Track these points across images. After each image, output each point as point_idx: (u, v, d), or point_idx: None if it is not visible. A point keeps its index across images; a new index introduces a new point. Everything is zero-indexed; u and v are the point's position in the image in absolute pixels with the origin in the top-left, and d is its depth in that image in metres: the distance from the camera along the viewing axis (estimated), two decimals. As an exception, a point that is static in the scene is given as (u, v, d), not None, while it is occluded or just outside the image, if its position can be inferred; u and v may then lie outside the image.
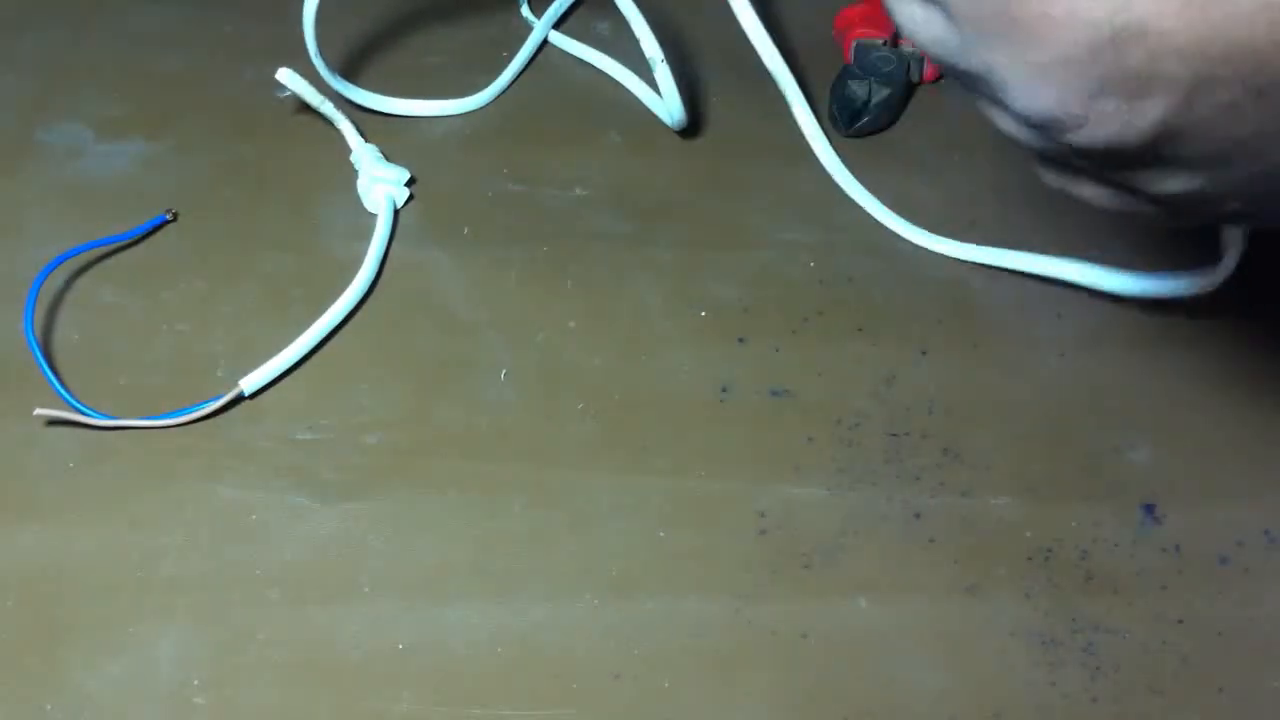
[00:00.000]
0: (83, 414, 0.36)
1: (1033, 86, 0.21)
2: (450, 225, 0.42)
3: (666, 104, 0.43)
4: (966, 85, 0.24)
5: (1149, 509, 0.35)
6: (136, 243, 0.41)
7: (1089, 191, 0.26)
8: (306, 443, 0.36)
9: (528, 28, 0.48)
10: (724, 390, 0.37)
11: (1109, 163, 0.23)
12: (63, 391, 0.36)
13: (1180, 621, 0.33)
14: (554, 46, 0.48)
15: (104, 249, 0.40)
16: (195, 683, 0.31)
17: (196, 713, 0.31)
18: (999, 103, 0.23)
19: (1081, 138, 0.22)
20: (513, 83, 0.46)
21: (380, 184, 0.42)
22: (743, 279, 0.40)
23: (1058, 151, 0.24)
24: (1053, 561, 0.34)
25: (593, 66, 0.47)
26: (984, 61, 0.22)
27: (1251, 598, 0.33)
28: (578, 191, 0.43)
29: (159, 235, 0.41)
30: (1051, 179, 0.27)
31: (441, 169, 0.43)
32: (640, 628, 0.32)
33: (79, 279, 0.40)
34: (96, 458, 0.35)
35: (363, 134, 0.44)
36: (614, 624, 0.33)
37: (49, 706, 0.31)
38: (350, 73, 0.46)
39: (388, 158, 0.43)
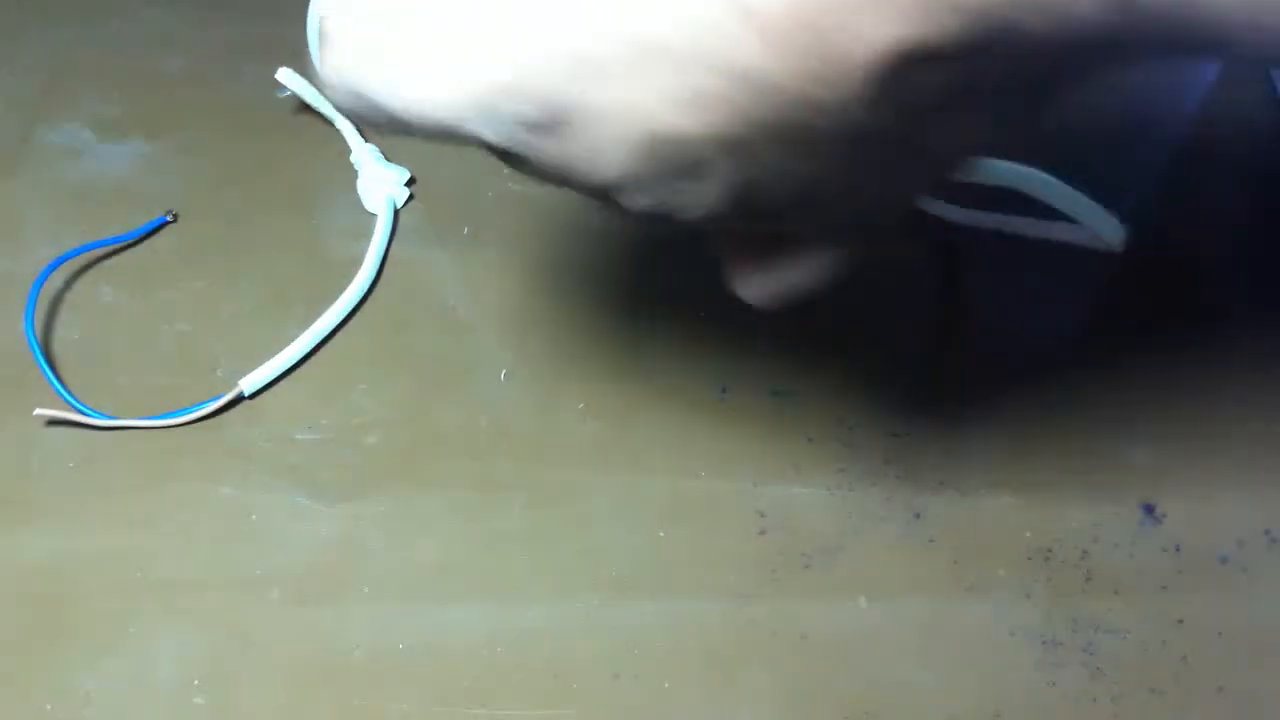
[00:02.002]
0: (83, 414, 0.36)
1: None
2: (450, 225, 0.42)
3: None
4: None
5: (1149, 509, 0.35)
6: (137, 243, 0.41)
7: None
8: (306, 443, 0.36)
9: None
10: (724, 390, 0.37)
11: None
12: (63, 391, 0.36)
13: (1180, 621, 0.33)
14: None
15: (104, 249, 0.40)
16: (195, 683, 0.31)
17: (196, 713, 0.31)
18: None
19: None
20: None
21: (380, 184, 0.42)
22: (743, 279, 0.40)
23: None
24: (1053, 561, 0.34)
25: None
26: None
27: (1251, 598, 0.33)
28: (578, 191, 0.43)
29: (159, 235, 0.41)
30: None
31: (441, 169, 0.43)
32: (640, 628, 0.32)
33: (79, 279, 0.40)
34: (96, 458, 0.35)
35: (363, 134, 0.44)
36: (614, 624, 0.33)
37: (49, 706, 0.31)
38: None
39: (388, 158, 0.43)
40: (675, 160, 0.21)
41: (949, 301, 0.39)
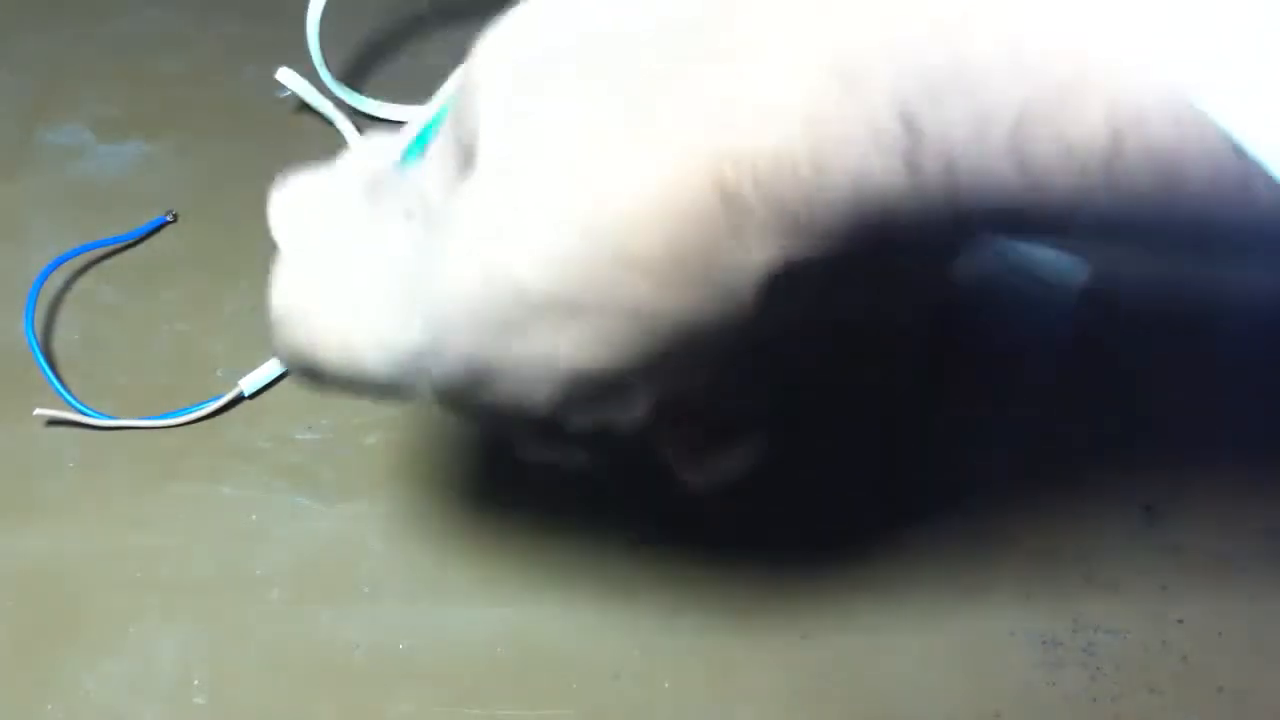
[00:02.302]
0: (83, 414, 0.36)
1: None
2: (450, 225, 0.42)
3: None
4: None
5: (1149, 509, 0.35)
6: (137, 243, 0.41)
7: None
8: (306, 443, 0.36)
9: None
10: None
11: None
12: (63, 391, 0.36)
13: (1180, 621, 0.33)
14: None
15: (104, 249, 0.40)
16: (195, 683, 0.31)
17: (196, 713, 0.31)
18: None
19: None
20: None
21: (380, 184, 0.42)
22: (743, 279, 0.40)
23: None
24: (1053, 561, 0.34)
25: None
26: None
27: (1251, 598, 0.33)
28: (578, 191, 0.43)
29: (159, 235, 0.41)
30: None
31: (441, 169, 0.43)
32: (640, 628, 0.32)
33: (79, 279, 0.40)
34: (96, 458, 0.35)
35: (363, 134, 0.44)
36: (614, 624, 0.33)
37: (49, 706, 0.31)
38: (349, 74, 0.46)
39: (388, 158, 0.43)
40: (597, 390, 0.23)
41: (945, 302, 0.39)
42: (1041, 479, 0.35)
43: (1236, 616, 0.33)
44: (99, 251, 0.40)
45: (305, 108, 0.44)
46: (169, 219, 0.41)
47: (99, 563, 0.33)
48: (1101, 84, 0.19)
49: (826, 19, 0.20)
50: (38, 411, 0.35)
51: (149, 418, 0.36)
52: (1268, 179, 0.18)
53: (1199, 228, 0.20)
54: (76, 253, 0.39)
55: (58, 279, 0.39)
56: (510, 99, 0.22)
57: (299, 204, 0.27)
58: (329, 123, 0.44)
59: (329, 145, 0.44)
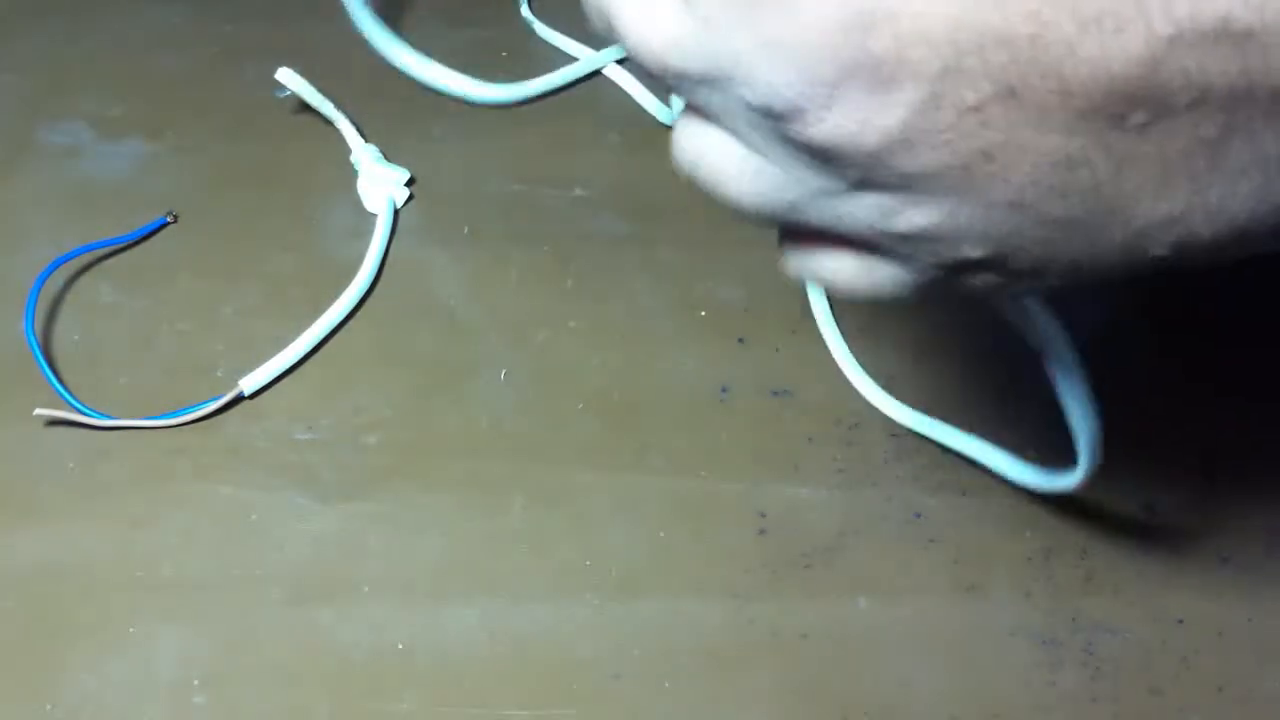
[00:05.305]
0: (83, 414, 0.36)
1: (776, 67, 0.20)
2: (450, 225, 0.42)
3: (660, 106, 0.43)
4: (700, 102, 0.23)
5: (1149, 509, 0.35)
6: (137, 243, 0.41)
7: (831, 264, 0.24)
8: (306, 443, 0.36)
9: (528, 27, 0.48)
10: (724, 390, 0.37)
11: (850, 174, 0.22)
12: (63, 391, 0.36)
13: (1180, 621, 0.33)
14: (547, 43, 0.48)
15: (104, 249, 0.40)
16: (195, 683, 0.31)
17: (196, 713, 0.31)
18: (735, 104, 0.22)
19: (821, 132, 0.21)
20: (545, 95, 0.46)
21: (380, 184, 0.42)
22: (743, 279, 0.40)
23: (798, 199, 0.22)
24: (1053, 561, 0.34)
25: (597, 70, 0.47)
26: (723, 49, 0.21)
27: (1251, 598, 0.33)
28: (578, 191, 0.43)
29: (159, 235, 0.41)
30: (793, 260, 0.25)
31: (442, 169, 0.43)
32: (640, 628, 0.32)
33: (79, 279, 0.40)
34: (96, 458, 0.35)
35: (363, 134, 0.44)
36: (614, 624, 0.33)
37: (49, 706, 0.31)
38: (346, 72, 0.46)
39: (388, 158, 0.43)
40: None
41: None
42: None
43: (1236, 616, 0.33)
44: (99, 252, 0.40)
45: (305, 108, 0.44)
46: (169, 219, 0.41)
47: (99, 563, 0.33)
48: None
49: None
50: (38, 411, 0.35)
51: (149, 418, 0.36)
52: None
53: None
54: (77, 253, 0.39)
55: (58, 279, 0.39)
56: None
57: None
58: (329, 123, 0.44)
59: (329, 145, 0.44)
